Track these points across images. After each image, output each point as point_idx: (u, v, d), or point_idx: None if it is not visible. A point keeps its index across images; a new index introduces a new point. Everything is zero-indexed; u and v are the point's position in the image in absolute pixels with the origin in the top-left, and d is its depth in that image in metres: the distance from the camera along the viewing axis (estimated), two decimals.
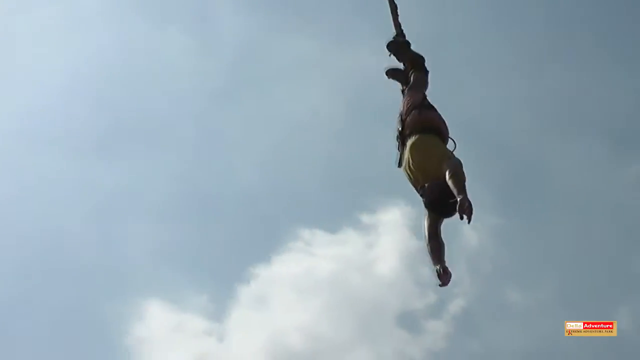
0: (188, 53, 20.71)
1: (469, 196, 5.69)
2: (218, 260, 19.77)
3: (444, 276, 6.15)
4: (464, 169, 6.05)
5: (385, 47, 7.29)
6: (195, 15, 21.06)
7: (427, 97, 6.84)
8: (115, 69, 20.47)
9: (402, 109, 6.80)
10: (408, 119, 6.64)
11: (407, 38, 7.32)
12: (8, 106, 20.61)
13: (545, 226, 18.53)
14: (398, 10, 7.43)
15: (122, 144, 20.48)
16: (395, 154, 6.70)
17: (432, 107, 6.73)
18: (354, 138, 20.41)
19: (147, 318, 18.32)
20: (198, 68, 20.86)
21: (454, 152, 6.41)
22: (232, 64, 20.73)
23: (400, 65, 7.29)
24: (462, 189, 5.76)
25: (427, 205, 6.26)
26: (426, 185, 6.23)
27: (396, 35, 7.33)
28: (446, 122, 6.64)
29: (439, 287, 6.18)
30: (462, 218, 5.63)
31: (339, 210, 19.64)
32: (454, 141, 6.59)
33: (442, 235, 6.38)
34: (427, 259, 6.32)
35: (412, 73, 7.10)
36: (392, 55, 7.28)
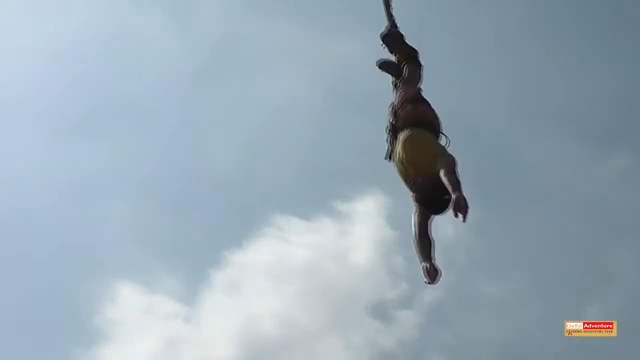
0: (170, 34, 20.53)
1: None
2: (192, 243, 19.68)
3: (433, 273, 6.08)
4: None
5: (380, 38, 7.21)
6: None
7: (422, 91, 6.77)
8: (96, 49, 20.25)
9: (395, 101, 6.71)
10: (401, 111, 6.54)
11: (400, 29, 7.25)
12: None
13: (522, 219, 18.61)
14: (391, 1, 7.37)
15: (101, 125, 20.29)
16: (386, 146, 6.61)
17: (426, 101, 6.65)
18: (333, 126, 20.38)
19: (119, 299, 18.26)
20: (179, 50, 20.70)
21: (447, 148, 6.32)
22: (214, 47, 20.58)
23: (392, 57, 7.21)
24: (457, 187, 5.70)
25: (420, 200, 6.18)
26: (418, 180, 6.15)
27: (389, 26, 7.26)
28: (439, 117, 6.57)
29: (426, 284, 6.10)
30: (456, 216, 5.56)
31: (314, 198, 19.61)
32: (446, 137, 6.50)
33: (423, 230, 6.27)
34: (416, 255, 6.25)
35: (405, 66, 7.01)
36: (384, 47, 7.21)
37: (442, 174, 5.86)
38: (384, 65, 7.17)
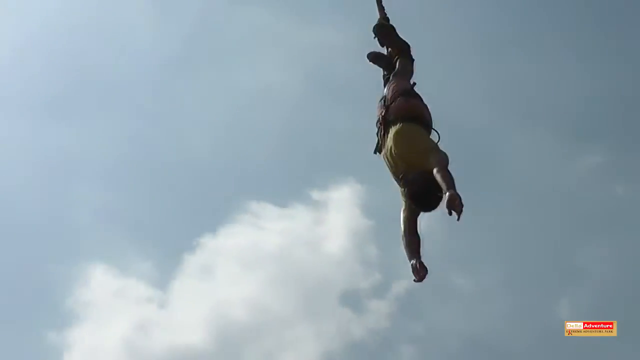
0: (146, 17, 20.35)
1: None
2: (165, 227, 19.64)
3: (420, 271, 6.01)
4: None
5: (373, 30, 7.10)
6: None
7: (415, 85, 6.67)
8: (71, 29, 20.06)
9: (386, 94, 6.60)
10: (393, 105, 6.42)
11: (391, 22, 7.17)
12: None
13: (494, 214, 18.68)
14: None
15: (75, 105, 20.14)
16: (372, 138, 6.53)
17: (419, 95, 6.55)
18: (309, 114, 20.36)
19: (91, 282, 18.14)
20: (157, 35, 20.56)
21: (438, 144, 6.23)
22: (192, 33, 20.50)
23: (383, 50, 7.12)
24: (451, 184, 5.58)
25: (410, 196, 6.02)
26: (409, 175, 6.03)
27: (381, 19, 7.16)
28: (430, 112, 6.48)
29: (414, 282, 6.05)
30: (450, 214, 5.44)
31: (289, 185, 19.61)
32: (437, 132, 6.39)
33: (411, 226, 6.19)
34: (403, 252, 6.17)
35: (397, 59, 6.90)
36: (376, 39, 7.10)
37: (435, 171, 5.74)
38: (375, 58, 7.07)
